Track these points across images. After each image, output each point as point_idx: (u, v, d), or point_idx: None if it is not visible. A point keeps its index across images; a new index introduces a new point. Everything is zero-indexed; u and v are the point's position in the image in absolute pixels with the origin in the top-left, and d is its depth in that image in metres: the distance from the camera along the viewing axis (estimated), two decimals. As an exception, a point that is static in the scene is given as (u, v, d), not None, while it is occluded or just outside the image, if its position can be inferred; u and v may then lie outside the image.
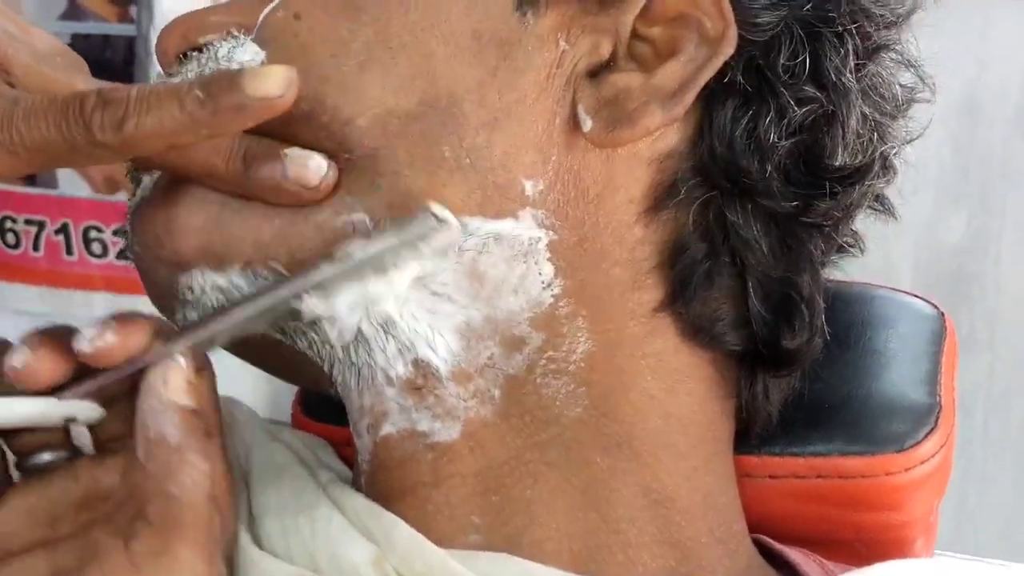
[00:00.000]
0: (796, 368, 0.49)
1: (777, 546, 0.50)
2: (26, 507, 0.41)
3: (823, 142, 0.46)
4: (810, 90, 0.45)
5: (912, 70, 0.51)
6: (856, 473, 0.50)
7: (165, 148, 0.40)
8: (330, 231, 0.43)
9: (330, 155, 0.43)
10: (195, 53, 0.46)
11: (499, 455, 0.44)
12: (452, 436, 0.44)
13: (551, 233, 0.43)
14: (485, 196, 0.43)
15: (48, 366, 0.41)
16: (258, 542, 0.45)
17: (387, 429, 0.45)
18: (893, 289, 0.58)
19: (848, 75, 0.46)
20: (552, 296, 0.44)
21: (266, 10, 0.45)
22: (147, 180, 0.47)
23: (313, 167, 0.43)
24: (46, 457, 0.43)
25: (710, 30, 0.44)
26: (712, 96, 0.44)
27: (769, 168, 0.44)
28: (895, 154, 0.50)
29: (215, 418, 0.42)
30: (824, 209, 0.46)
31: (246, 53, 0.45)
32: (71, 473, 0.42)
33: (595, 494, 0.45)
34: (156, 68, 1.64)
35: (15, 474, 0.43)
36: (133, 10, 1.69)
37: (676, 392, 0.46)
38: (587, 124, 0.44)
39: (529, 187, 0.43)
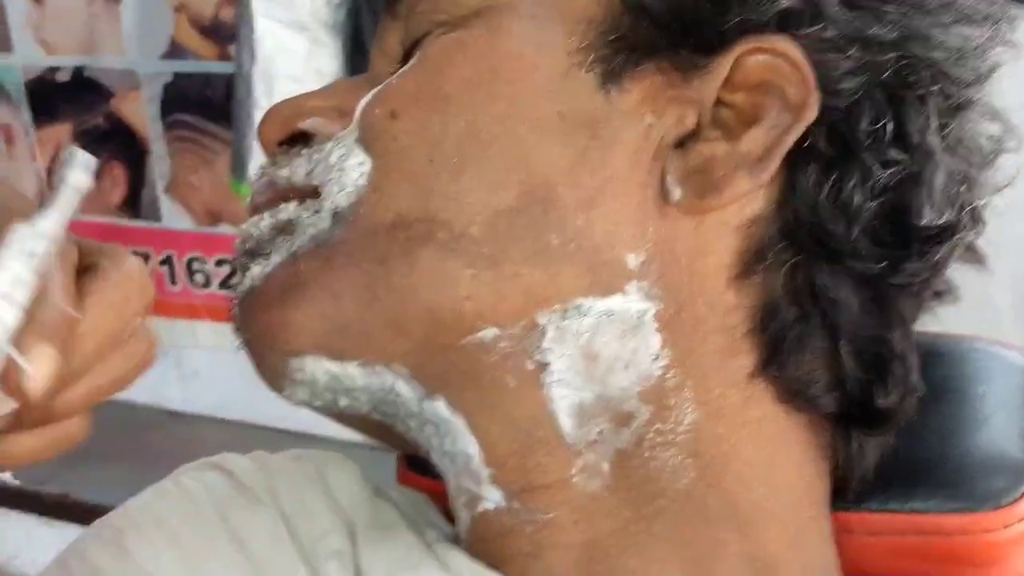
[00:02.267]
0: (891, 427, 0.49)
1: None
2: None
3: (909, 202, 0.46)
4: (894, 153, 0.46)
5: (998, 121, 0.51)
6: (955, 531, 0.50)
7: None
8: (460, 350, 0.45)
9: (463, 269, 0.44)
10: (302, 147, 0.48)
11: (605, 527, 0.45)
12: (555, 511, 0.45)
13: (656, 303, 0.45)
14: (594, 276, 0.44)
15: None
16: None
17: (484, 506, 0.46)
18: (989, 341, 0.58)
19: (932, 136, 0.46)
20: (660, 368, 0.45)
21: (363, 102, 0.47)
22: (256, 269, 0.48)
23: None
24: None
25: (792, 96, 0.45)
26: (795, 161, 0.45)
27: (856, 230, 0.45)
28: (983, 205, 0.51)
29: None
30: (912, 269, 0.47)
31: (355, 158, 0.46)
32: None
33: (700, 564, 0.46)
34: (258, 106, 1.69)
35: None
36: (232, 48, 1.72)
37: (775, 459, 0.47)
38: (676, 193, 0.45)
39: (632, 260, 0.44)
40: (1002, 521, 0.50)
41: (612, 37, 0.46)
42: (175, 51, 1.78)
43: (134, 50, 1.83)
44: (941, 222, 0.47)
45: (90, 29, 1.84)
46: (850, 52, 0.45)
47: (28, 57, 1.85)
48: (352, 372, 0.46)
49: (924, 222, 0.47)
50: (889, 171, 0.45)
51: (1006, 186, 0.53)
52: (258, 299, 0.48)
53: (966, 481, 0.51)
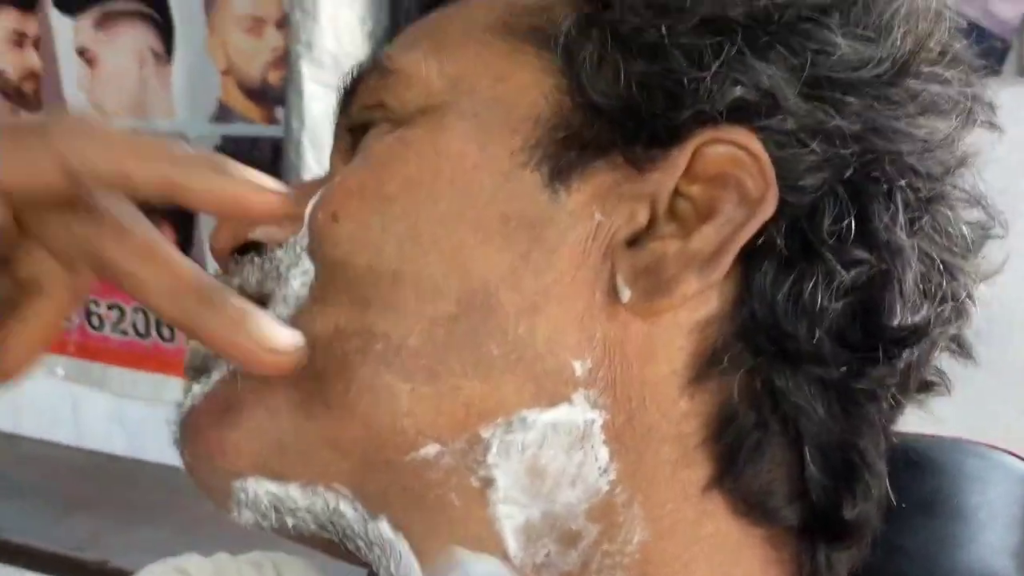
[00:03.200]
0: (859, 539, 0.46)
1: None
2: None
3: (879, 302, 0.43)
4: (859, 252, 0.43)
5: (979, 207, 0.48)
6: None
7: (119, 183, 0.37)
8: (401, 468, 0.42)
9: (401, 383, 0.42)
10: (254, 254, 0.46)
11: None
12: None
13: (604, 413, 0.42)
14: (538, 386, 0.42)
15: None
16: None
17: None
18: (988, 446, 0.55)
19: (899, 232, 0.43)
20: (608, 483, 0.42)
21: (309, 206, 0.45)
22: (197, 388, 0.46)
23: (283, 340, 0.39)
24: None
25: (751, 190, 0.42)
26: (753, 259, 0.43)
27: (819, 332, 0.42)
28: (967, 296, 0.47)
29: None
30: (879, 373, 0.43)
31: (300, 267, 0.44)
32: None
33: None
34: (308, 170, 1.69)
35: None
36: (280, 111, 1.74)
37: None
38: (625, 294, 0.42)
39: (579, 367, 0.42)
40: (986, 649, 0.47)
41: (561, 136, 0.43)
42: (223, 114, 1.81)
43: (184, 112, 1.86)
44: (916, 320, 0.44)
45: (142, 91, 1.87)
46: (811, 145, 0.43)
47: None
48: (293, 494, 0.44)
49: (896, 322, 0.43)
50: (853, 271, 0.42)
51: (995, 273, 0.49)
52: (197, 419, 0.46)
53: (949, 604, 0.48)
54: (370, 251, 0.43)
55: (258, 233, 0.46)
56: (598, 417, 0.42)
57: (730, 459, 0.43)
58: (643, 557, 0.42)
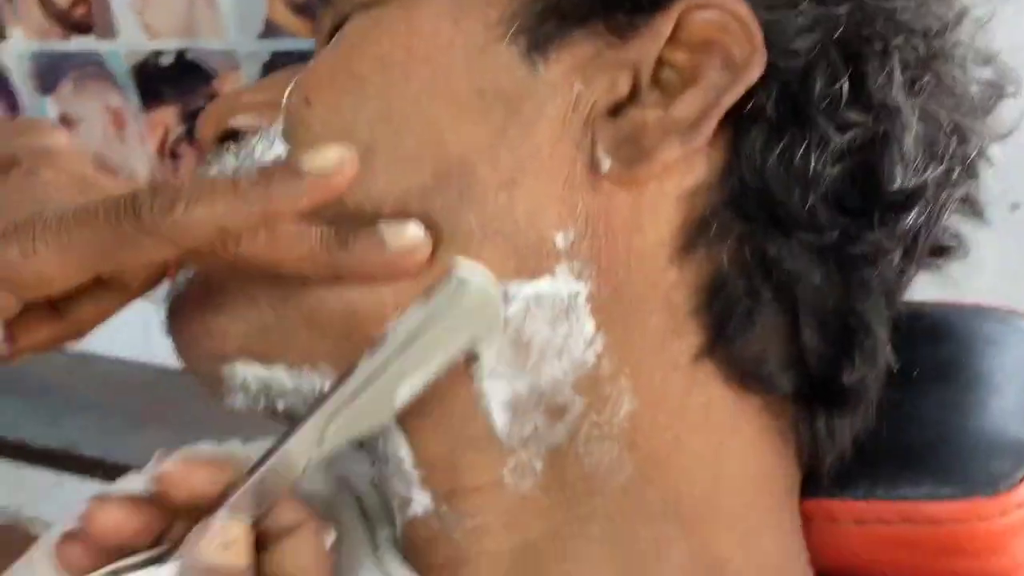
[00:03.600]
0: (859, 405, 0.46)
1: None
2: None
3: (877, 165, 0.43)
4: (853, 114, 0.42)
5: (990, 64, 0.47)
6: (947, 518, 0.47)
7: (216, 234, 0.38)
8: (365, 322, 0.42)
9: None
10: (231, 143, 0.46)
11: (536, 530, 0.43)
12: (484, 515, 0.43)
13: (588, 284, 0.42)
14: (519, 258, 0.42)
15: (124, 519, 0.41)
16: None
17: (413, 511, 0.44)
18: (1006, 309, 0.54)
19: (896, 92, 0.43)
20: (595, 355, 0.42)
21: (286, 94, 0.45)
22: (181, 274, 0.47)
23: (411, 233, 0.41)
24: None
25: (736, 55, 0.41)
26: (741, 126, 0.42)
27: (812, 198, 0.42)
28: (979, 154, 0.47)
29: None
30: (874, 237, 0.43)
31: (273, 152, 0.44)
32: None
33: (640, 566, 0.43)
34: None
35: None
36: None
37: (726, 448, 0.43)
38: (606, 164, 0.42)
39: (560, 239, 0.42)
40: (999, 508, 0.46)
41: (539, 7, 0.43)
42: (271, 30, 1.81)
43: (233, 31, 1.86)
44: (917, 182, 0.43)
45: (190, 12, 1.87)
46: (801, 6, 0.42)
47: (132, 42, 1.89)
48: (280, 375, 0.44)
49: (896, 185, 0.43)
50: (847, 134, 0.42)
51: (1008, 134, 0.48)
52: (183, 305, 0.46)
53: (961, 465, 0.47)
54: (341, 132, 0.43)
55: (237, 120, 0.46)
56: (582, 289, 0.42)
57: (720, 327, 0.43)
58: (632, 427, 0.42)
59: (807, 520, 0.48)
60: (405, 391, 0.41)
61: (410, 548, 0.45)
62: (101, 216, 0.37)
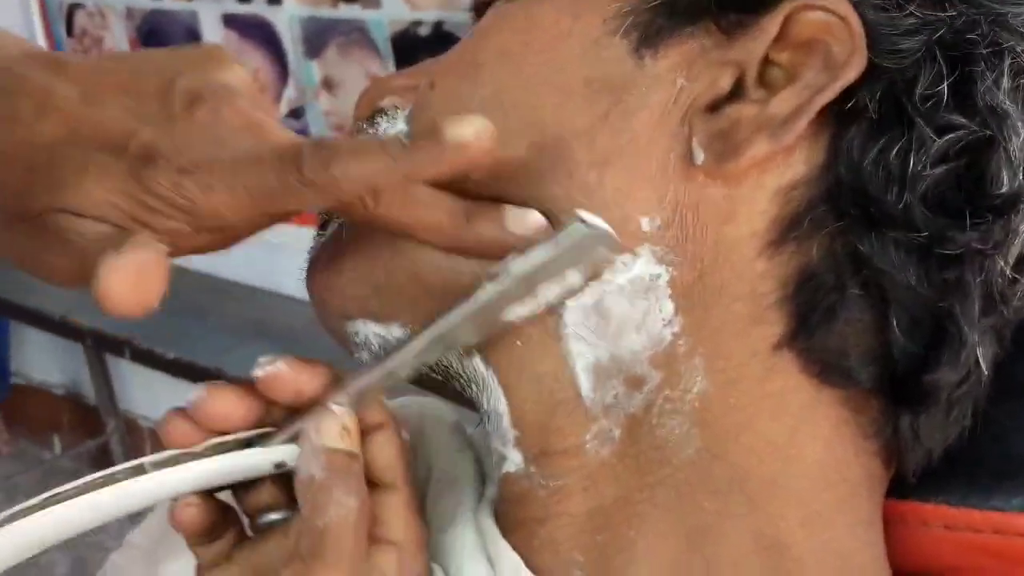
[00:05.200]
0: (943, 407, 0.46)
1: None
2: (249, 564, 0.46)
3: (982, 169, 0.43)
4: (955, 117, 0.42)
5: None
6: (1036, 533, 0.47)
7: (367, 191, 0.42)
8: (467, 284, 0.45)
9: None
10: (365, 124, 0.50)
11: (610, 495, 0.45)
12: (567, 477, 0.46)
13: (671, 269, 0.44)
14: None
15: (233, 405, 0.45)
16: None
17: (507, 468, 0.47)
18: None
19: (1004, 96, 0.43)
20: (672, 334, 0.44)
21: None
22: (318, 239, 0.51)
23: (531, 220, 0.44)
24: (273, 516, 0.47)
25: (837, 55, 0.42)
26: (842, 125, 0.43)
27: (909, 197, 0.42)
28: None
29: (387, 464, 0.46)
30: (967, 239, 0.43)
31: (396, 128, 0.48)
32: (285, 530, 0.45)
33: (701, 537, 0.44)
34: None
35: (250, 534, 0.48)
36: None
37: (798, 433, 0.45)
38: (700, 157, 0.43)
39: (646, 223, 0.44)
40: (1090, 528, 0.46)
41: (654, 2, 0.45)
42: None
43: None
44: (1014, 187, 0.43)
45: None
46: (909, 8, 0.43)
47: (395, 11, 1.98)
48: (396, 334, 0.48)
49: (1004, 189, 0.43)
50: (947, 137, 0.42)
51: None
52: (314, 267, 0.50)
53: (1057, 481, 0.47)
54: (454, 107, 0.46)
55: (384, 102, 0.50)
56: (664, 272, 0.44)
57: (804, 319, 0.44)
58: (703, 406, 0.44)
59: (898, 521, 0.49)
60: (512, 316, 0.44)
61: (503, 503, 0.48)
62: (269, 165, 0.41)
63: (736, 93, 0.44)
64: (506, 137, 0.44)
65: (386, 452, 0.46)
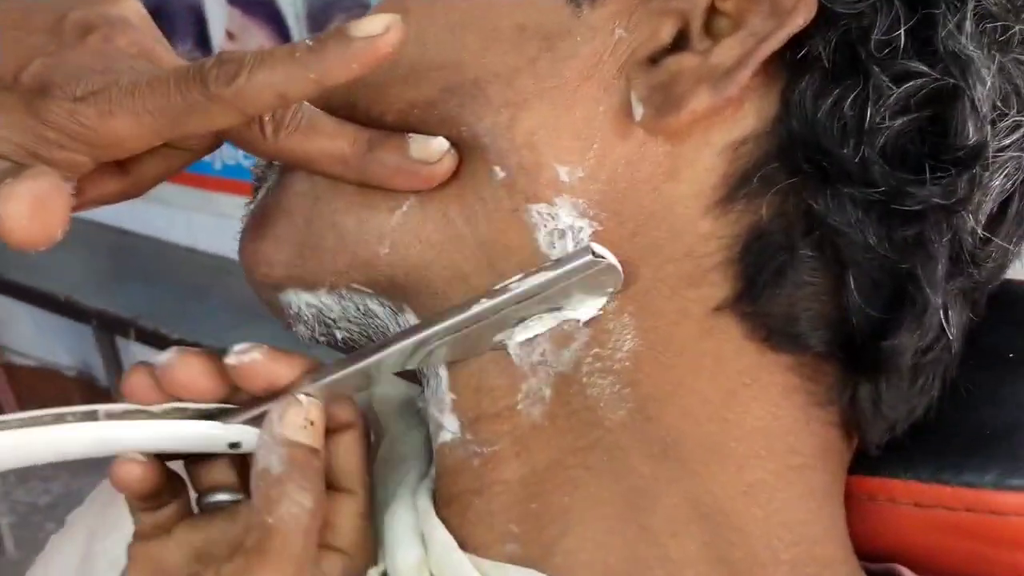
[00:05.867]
0: (904, 374, 0.43)
1: None
2: (188, 542, 0.45)
3: (947, 119, 0.40)
4: (915, 65, 0.39)
5: None
6: (1010, 510, 0.44)
7: (276, 100, 0.39)
8: (391, 243, 0.44)
9: None
10: None
11: (542, 460, 0.43)
12: (500, 442, 0.44)
13: (595, 224, 0.41)
14: (511, 176, 0.42)
15: (199, 376, 0.44)
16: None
17: (443, 437, 0.45)
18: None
19: (966, 42, 0.40)
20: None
21: None
22: (251, 205, 0.49)
23: (435, 146, 0.43)
24: (221, 497, 0.46)
25: (784, 2, 0.40)
26: (794, 75, 0.40)
27: (865, 151, 0.39)
28: None
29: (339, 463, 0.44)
30: (925, 194, 0.40)
31: None
32: (231, 514, 0.45)
33: (636, 503, 0.42)
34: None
35: (195, 510, 0.47)
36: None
37: (738, 397, 0.42)
38: (638, 112, 0.41)
39: (564, 173, 0.41)
40: (1067, 504, 0.43)
41: None
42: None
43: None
44: (977, 140, 0.40)
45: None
46: None
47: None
48: (327, 301, 0.46)
49: (970, 140, 0.40)
50: (905, 86, 0.39)
51: None
52: (244, 235, 0.49)
53: (1032, 455, 0.45)
54: None
55: None
56: (586, 226, 0.41)
57: (750, 281, 0.41)
58: (634, 366, 0.42)
59: (865, 498, 0.46)
60: (500, 337, 0.43)
61: (440, 477, 0.46)
62: (171, 84, 0.39)
63: (680, 45, 0.42)
64: (420, 75, 0.43)
65: (350, 455, 0.45)
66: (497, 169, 0.42)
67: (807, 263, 0.41)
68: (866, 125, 0.40)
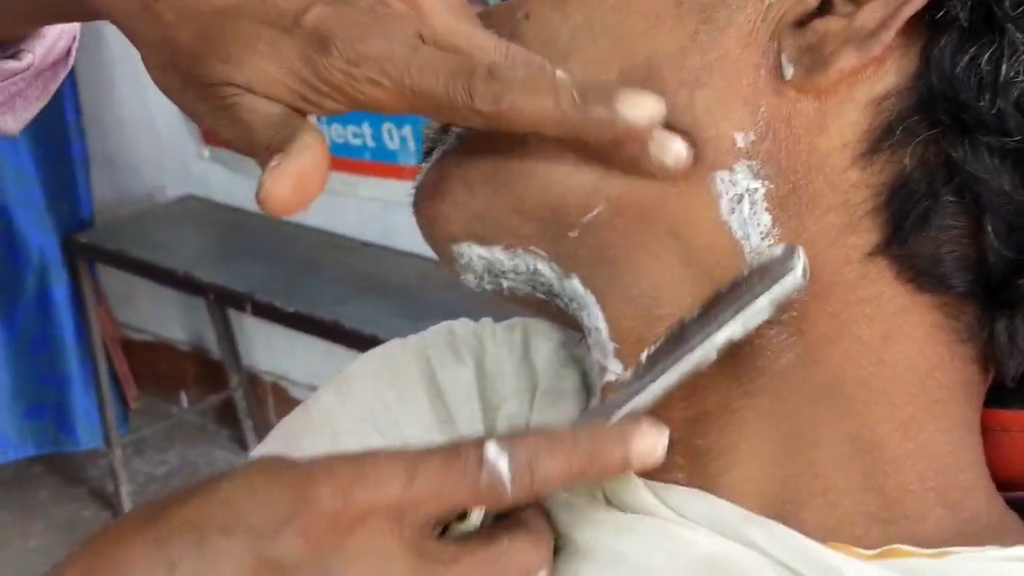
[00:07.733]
0: None
1: None
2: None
3: None
4: None
5: None
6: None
7: (529, 129, 0.43)
8: (586, 228, 0.47)
9: (563, 150, 0.46)
10: None
11: (709, 403, 0.47)
12: None
13: (767, 183, 0.45)
14: (699, 150, 0.45)
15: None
16: None
17: (608, 378, 0.48)
18: None
19: None
20: (769, 245, 0.45)
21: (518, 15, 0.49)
22: (424, 167, 0.52)
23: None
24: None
25: None
26: (933, 34, 0.44)
27: (1001, 103, 0.43)
28: None
29: None
30: None
31: None
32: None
33: (800, 441, 0.46)
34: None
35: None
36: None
37: (892, 338, 0.45)
38: (789, 72, 0.44)
39: (740, 139, 0.45)
40: None
41: None
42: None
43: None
44: None
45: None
46: None
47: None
48: (499, 256, 0.49)
49: None
50: None
51: None
52: (419, 193, 0.52)
53: None
54: (546, 41, 0.48)
55: None
56: (760, 187, 0.45)
57: (897, 226, 0.45)
58: (800, 315, 0.45)
59: (998, 429, 0.49)
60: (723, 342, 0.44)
61: None
62: (440, 79, 0.43)
63: (824, 8, 0.45)
64: (594, 62, 0.46)
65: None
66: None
67: (949, 208, 0.45)
68: (1001, 79, 0.43)
